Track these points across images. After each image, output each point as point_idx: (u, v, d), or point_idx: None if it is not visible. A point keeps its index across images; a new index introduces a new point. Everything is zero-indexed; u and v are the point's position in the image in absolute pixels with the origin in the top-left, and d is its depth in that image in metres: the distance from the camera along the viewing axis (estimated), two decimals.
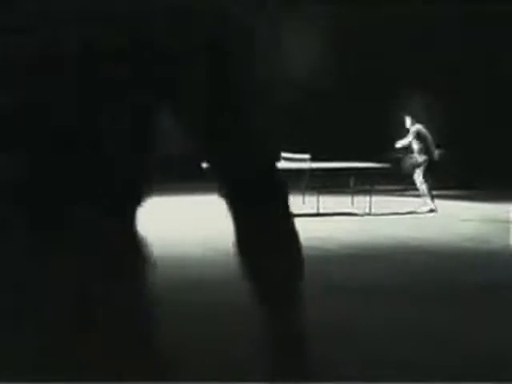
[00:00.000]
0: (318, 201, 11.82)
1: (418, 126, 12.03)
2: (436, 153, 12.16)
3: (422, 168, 11.98)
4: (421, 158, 11.96)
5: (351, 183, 12.53)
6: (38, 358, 1.09)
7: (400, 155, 13.51)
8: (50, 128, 1.08)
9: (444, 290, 6.47)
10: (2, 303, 1.09)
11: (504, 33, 17.18)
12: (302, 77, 18.06)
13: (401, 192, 15.28)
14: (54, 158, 1.08)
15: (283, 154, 13.03)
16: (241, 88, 1.21)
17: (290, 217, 1.39)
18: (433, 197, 12.13)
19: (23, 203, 1.10)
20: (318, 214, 11.61)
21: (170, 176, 12.84)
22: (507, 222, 10.52)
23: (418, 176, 12.07)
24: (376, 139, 17.84)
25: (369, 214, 11.68)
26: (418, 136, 11.96)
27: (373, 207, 11.88)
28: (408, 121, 12.13)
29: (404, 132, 12.32)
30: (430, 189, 12.07)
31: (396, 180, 15.36)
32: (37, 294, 1.10)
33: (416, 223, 10.82)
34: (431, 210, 11.96)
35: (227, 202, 1.27)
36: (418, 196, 12.50)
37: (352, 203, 12.35)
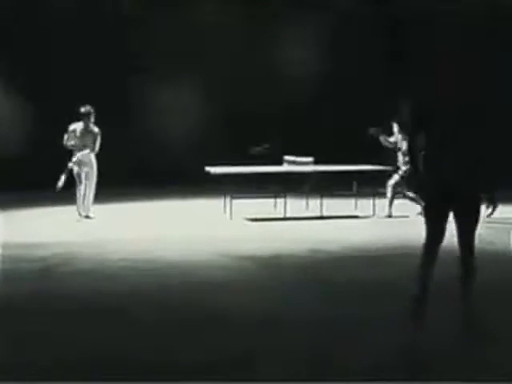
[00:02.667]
0: (321, 204, 11.86)
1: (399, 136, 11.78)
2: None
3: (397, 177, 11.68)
4: (404, 167, 11.64)
5: (354, 186, 12.53)
6: None
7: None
8: None
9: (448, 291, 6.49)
10: None
11: None
12: (305, 79, 18.07)
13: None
14: None
15: (286, 157, 13.05)
16: None
17: None
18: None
19: None
20: (321, 217, 11.63)
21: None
22: (509, 223, 10.54)
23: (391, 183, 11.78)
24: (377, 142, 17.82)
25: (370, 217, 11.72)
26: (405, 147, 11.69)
27: (376, 210, 11.90)
28: (395, 128, 11.87)
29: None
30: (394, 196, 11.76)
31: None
32: None
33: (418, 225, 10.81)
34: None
35: None
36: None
37: (356, 206, 12.38)
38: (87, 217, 11.28)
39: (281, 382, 4.13)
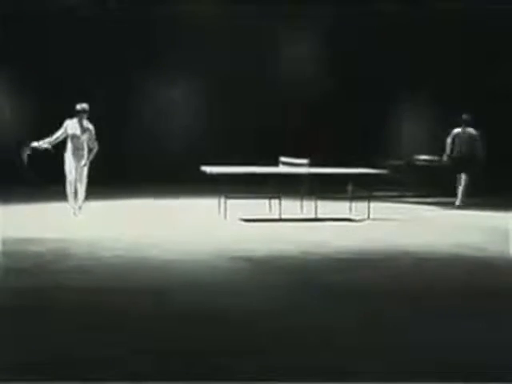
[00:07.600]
0: (315, 206, 11.83)
1: (457, 130, 12.37)
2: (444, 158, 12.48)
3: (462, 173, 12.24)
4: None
5: (349, 189, 12.52)
6: None
7: (399, 162, 13.50)
8: None
9: (443, 296, 6.50)
10: None
11: None
12: (301, 81, 18.10)
13: (399, 198, 15.29)
14: None
15: (282, 159, 13.02)
16: None
17: None
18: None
19: None
20: (315, 219, 11.60)
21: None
22: (505, 229, 10.55)
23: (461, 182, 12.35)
24: (376, 145, 17.85)
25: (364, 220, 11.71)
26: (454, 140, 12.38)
27: (371, 213, 11.89)
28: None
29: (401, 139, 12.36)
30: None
31: (394, 186, 15.39)
32: None
33: (413, 229, 10.84)
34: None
35: None
36: (416, 202, 12.55)
37: (350, 209, 12.36)
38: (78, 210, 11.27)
39: (281, 382, 4.12)
